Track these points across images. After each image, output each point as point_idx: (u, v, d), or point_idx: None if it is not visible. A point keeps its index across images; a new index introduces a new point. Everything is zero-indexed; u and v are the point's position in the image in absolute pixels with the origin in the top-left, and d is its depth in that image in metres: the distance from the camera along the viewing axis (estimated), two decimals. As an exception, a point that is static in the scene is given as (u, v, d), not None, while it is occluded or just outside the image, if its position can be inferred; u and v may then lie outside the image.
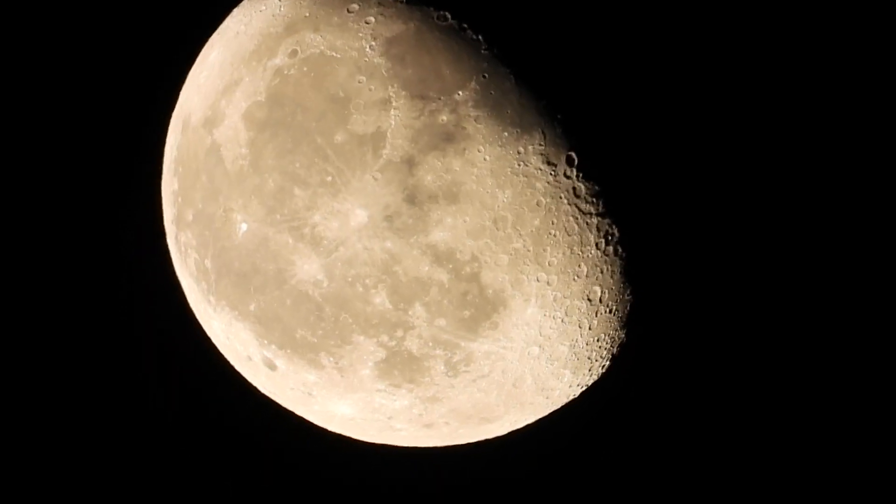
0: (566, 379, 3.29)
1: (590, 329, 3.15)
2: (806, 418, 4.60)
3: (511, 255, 2.88)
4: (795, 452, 4.59)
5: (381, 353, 3.01)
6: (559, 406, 3.52)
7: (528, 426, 3.61)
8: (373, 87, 2.84)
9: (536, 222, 2.89)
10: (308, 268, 2.92)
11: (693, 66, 3.15)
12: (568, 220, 2.93)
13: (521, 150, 2.85)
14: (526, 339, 3.04)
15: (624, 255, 3.05)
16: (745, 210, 3.33)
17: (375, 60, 2.87)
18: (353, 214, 2.85)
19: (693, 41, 3.19)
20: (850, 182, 4.40)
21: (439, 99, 2.82)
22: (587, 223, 2.96)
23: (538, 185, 2.87)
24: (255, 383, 3.54)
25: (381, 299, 2.91)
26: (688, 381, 4.42)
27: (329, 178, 2.85)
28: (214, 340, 3.50)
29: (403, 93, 2.83)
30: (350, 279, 2.89)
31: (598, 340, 3.22)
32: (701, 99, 3.16)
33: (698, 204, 3.18)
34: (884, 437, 4.57)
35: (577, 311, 3.06)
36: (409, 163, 2.82)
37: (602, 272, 3.04)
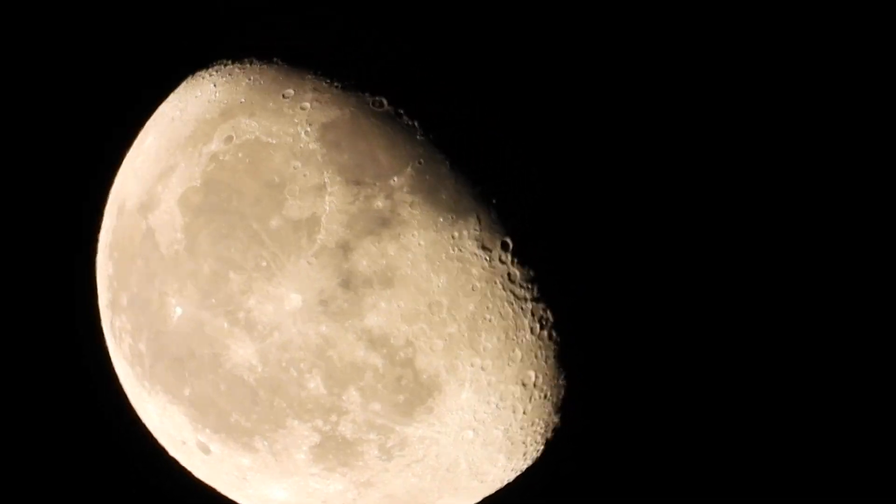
0: (500, 463, 3.48)
1: (524, 413, 3.35)
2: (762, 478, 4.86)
3: (446, 340, 3.09)
4: None
5: (316, 438, 3.19)
6: (493, 490, 3.72)
7: None
8: (308, 173, 3.05)
9: (471, 307, 3.10)
10: (243, 352, 3.12)
11: (633, 157, 3.44)
12: (503, 305, 3.14)
13: (456, 234, 3.07)
14: (460, 423, 3.24)
15: (558, 339, 3.28)
16: (685, 296, 3.58)
17: (311, 146, 3.09)
18: (287, 299, 3.04)
19: (630, 133, 3.47)
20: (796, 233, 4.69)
21: (375, 184, 3.04)
22: (522, 308, 3.17)
23: (473, 270, 3.09)
24: (189, 467, 3.69)
25: (315, 384, 3.10)
26: (623, 466, 4.66)
27: (264, 263, 3.04)
28: (148, 424, 3.66)
29: (339, 178, 3.04)
30: (284, 364, 3.08)
31: (532, 425, 3.42)
32: (644, 189, 3.44)
33: (636, 292, 3.44)
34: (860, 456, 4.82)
35: (511, 395, 3.27)
36: (344, 248, 3.02)
37: (536, 357, 3.26)
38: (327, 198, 3.06)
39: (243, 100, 3.27)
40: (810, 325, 4.75)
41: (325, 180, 3.07)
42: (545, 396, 3.39)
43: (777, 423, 4.84)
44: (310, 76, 3.24)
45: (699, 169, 3.74)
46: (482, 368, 3.19)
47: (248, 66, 3.38)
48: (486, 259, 3.12)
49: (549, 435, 3.56)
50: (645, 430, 4.60)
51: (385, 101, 3.16)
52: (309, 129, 3.14)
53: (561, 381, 3.40)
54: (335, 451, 3.25)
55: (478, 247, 3.11)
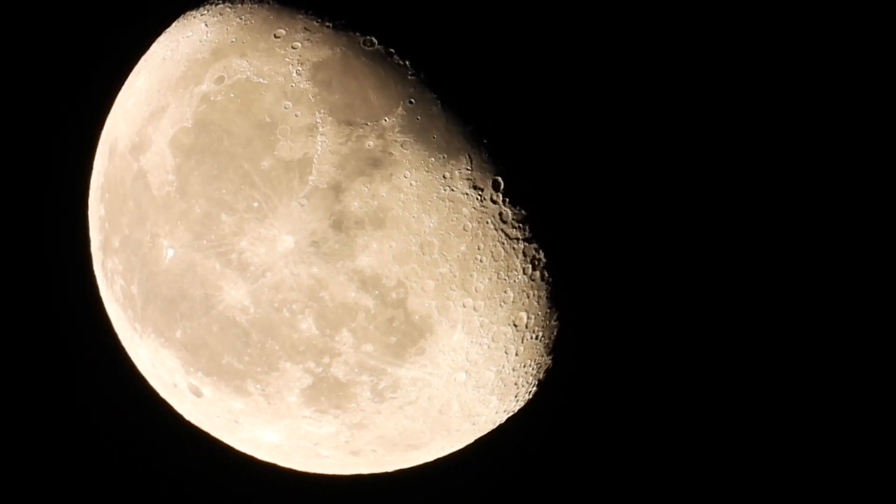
0: (493, 405, 3.58)
1: (516, 355, 3.45)
2: (746, 437, 5.01)
3: (437, 280, 3.18)
4: (734, 472, 4.98)
5: (308, 380, 3.29)
6: (486, 432, 3.81)
7: (455, 453, 3.90)
8: (299, 113, 3.13)
9: (463, 248, 3.19)
10: (235, 293, 3.20)
11: (622, 93, 3.51)
12: (494, 246, 3.23)
13: (448, 175, 3.15)
14: (452, 365, 3.33)
15: (550, 280, 3.37)
16: (675, 235, 3.67)
17: (302, 86, 3.16)
18: (279, 240, 3.13)
19: (619, 70, 3.54)
20: (801, 192, 4.85)
21: (366, 124, 3.12)
22: (514, 248, 3.26)
23: (465, 210, 3.17)
24: (181, 411, 3.80)
25: (307, 325, 3.19)
26: (616, 409, 4.79)
27: (256, 204, 3.12)
28: (140, 367, 3.76)
29: (330, 118, 3.12)
30: (277, 305, 3.17)
31: (524, 366, 3.52)
32: (633, 125, 3.52)
33: (626, 229, 3.52)
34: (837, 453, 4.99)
35: (503, 336, 3.36)
36: (336, 189, 3.10)
37: (528, 297, 3.35)
38: (319, 138, 3.14)
39: (234, 39, 3.35)
40: (802, 299, 4.92)
41: (317, 120, 3.15)
42: (537, 337, 3.48)
43: (764, 372, 4.99)
44: (301, 16, 3.32)
45: (693, 110, 3.81)
46: (474, 309, 3.27)
47: (239, 5, 3.47)
48: (477, 199, 3.20)
49: (541, 376, 3.66)
50: (638, 373, 4.73)
51: (376, 41, 3.24)
52: (300, 68, 3.22)
53: (553, 322, 3.49)
54: (327, 392, 3.34)
55: (469, 186, 3.19)
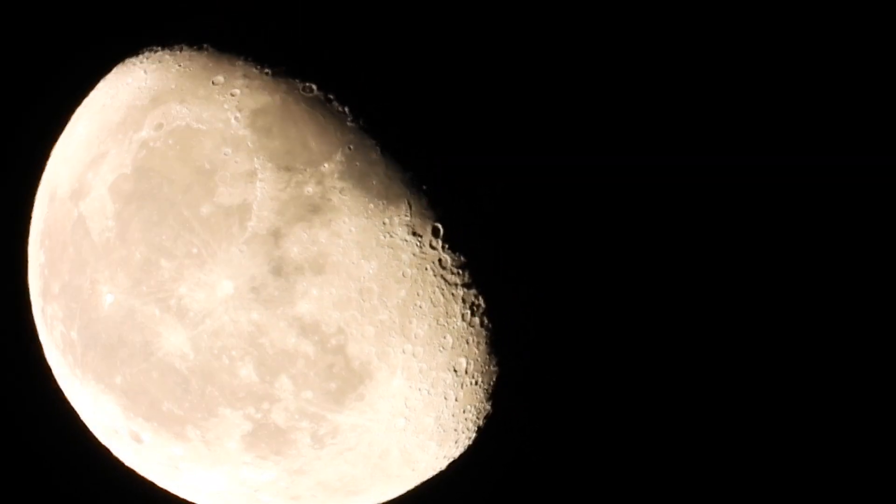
0: (432, 451, 3.65)
1: (455, 401, 3.51)
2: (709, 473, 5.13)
3: (377, 326, 3.23)
4: None
5: (248, 426, 3.34)
6: (426, 478, 3.88)
7: (395, 499, 3.96)
8: (238, 160, 3.19)
9: (402, 293, 3.25)
10: (175, 340, 3.26)
11: (556, 134, 3.61)
12: (434, 292, 3.30)
13: (387, 221, 3.22)
14: (392, 411, 3.39)
15: (490, 326, 3.44)
16: (618, 278, 3.75)
17: (241, 132, 3.23)
18: (219, 286, 3.19)
19: (557, 109, 3.65)
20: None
21: (305, 170, 3.18)
22: (453, 294, 3.33)
23: (404, 256, 3.24)
24: (121, 457, 3.83)
25: (247, 371, 3.24)
26: (557, 454, 4.88)
27: (195, 250, 3.18)
28: (81, 414, 3.80)
29: (269, 164, 3.19)
30: (216, 351, 3.23)
31: (463, 412, 3.59)
32: (566, 166, 3.60)
33: (565, 274, 3.61)
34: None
35: (442, 382, 3.43)
36: (276, 234, 3.16)
37: (468, 343, 3.42)
38: (258, 184, 3.20)
39: (174, 86, 3.43)
40: (763, 309, 5.02)
41: (256, 166, 3.21)
42: (476, 383, 3.55)
43: (720, 408, 5.09)
44: (240, 62, 3.39)
45: (629, 145, 3.95)
46: (413, 355, 3.34)
47: (178, 52, 3.54)
48: (416, 245, 3.27)
49: (480, 422, 3.73)
50: (579, 418, 4.79)
51: (315, 87, 3.31)
52: (239, 115, 3.29)
53: (492, 368, 3.56)
54: (267, 439, 3.40)
55: (408, 233, 3.26)
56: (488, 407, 3.70)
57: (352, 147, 3.25)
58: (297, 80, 3.33)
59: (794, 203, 5.04)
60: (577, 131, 3.73)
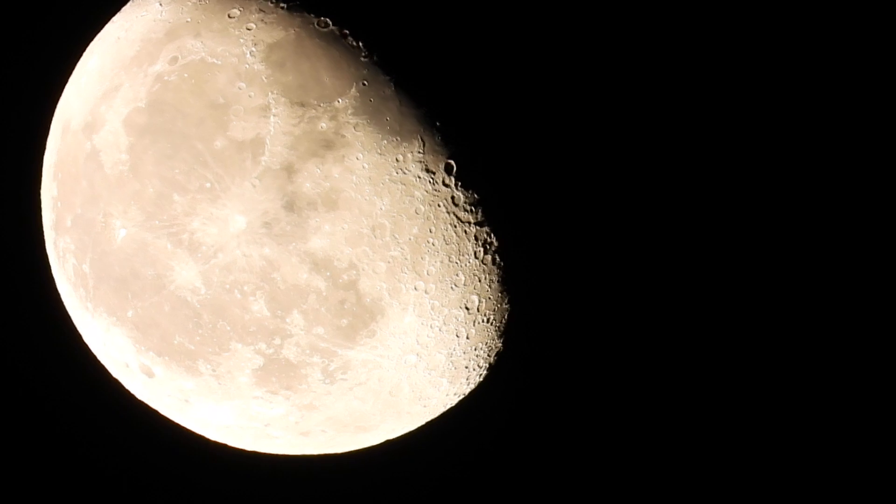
0: (443, 388, 3.70)
1: (467, 338, 3.57)
2: (697, 425, 5.22)
3: (389, 262, 3.28)
4: (687, 462, 5.19)
5: (259, 361, 3.39)
6: (436, 415, 3.94)
7: (405, 435, 4.03)
8: (252, 94, 3.21)
9: (415, 230, 3.29)
10: (186, 274, 3.30)
11: (570, 73, 3.60)
12: (446, 229, 3.33)
13: (400, 157, 3.24)
14: (403, 347, 3.44)
15: (502, 264, 3.48)
16: (630, 216, 3.78)
17: (255, 67, 3.24)
18: (231, 220, 3.23)
19: (574, 54, 3.64)
20: (760, 180, 5.05)
21: (319, 106, 3.20)
22: (465, 232, 3.37)
23: (417, 193, 3.27)
24: (132, 390, 3.90)
25: (259, 306, 3.29)
26: (566, 392, 4.95)
27: (208, 185, 3.21)
28: (92, 347, 3.87)
29: (283, 99, 3.20)
30: (228, 286, 3.27)
31: (475, 349, 3.64)
32: (580, 105, 3.61)
33: (576, 213, 3.63)
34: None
35: (454, 319, 3.47)
36: (289, 170, 3.19)
37: (480, 281, 3.46)
38: (272, 119, 3.22)
39: (189, 19, 3.44)
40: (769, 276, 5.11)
41: (270, 101, 3.23)
42: (488, 321, 3.59)
43: (715, 359, 5.18)
44: None
45: (650, 88, 3.96)
46: (425, 292, 3.38)
47: None
48: (429, 182, 3.29)
49: (492, 360, 3.78)
50: (589, 357, 4.87)
51: (330, 22, 3.32)
52: (254, 49, 3.30)
53: (504, 306, 3.60)
54: (278, 373, 3.45)
55: (421, 169, 3.29)
56: (500, 344, 3.74)
57: (366, 82, 3.26)
58: (312, 15, 3.35)
59: (794, 203, 5.13)
60: (599, 74, 3.74)
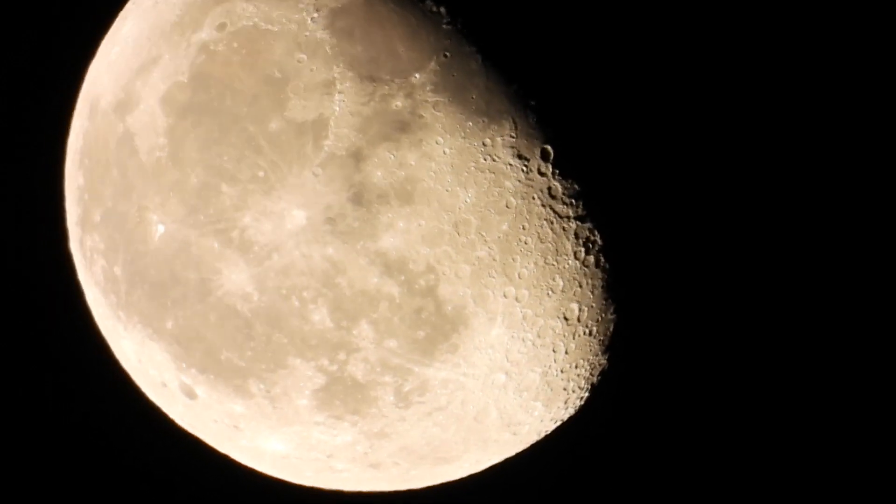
0: (537, 412, 3.57)
1: (566, 353, 3.42)
2: (800, 455, 5.16)
3: (474, 265, 3.13)
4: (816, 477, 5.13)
5: (321, 380, 3.26)
6: (529, 444, 3.82)
7: (492, 468, 3.91)
8: (315, 67, 3.09)
9: (504, 227, 3.13)
10: (236, 278, 3.16)
11: (688, 51, 3.44)
12: (542, 225, 3.18)
13: (488, 141, 3.10)
14: (490, 364, 3.29)
15: (607, 266, 3.32)
16: (743, 216, 3.64)
17: (318, 35, 3.12)
18: (289, 216, 3.09)
19: (685, 24, 3.48)
20: (846, 181, 5.01)
21: (393, 81, 3.07)
22: (564, 229, 3.22)
23: (507, 183, 3.12)
24: (171, 414, 3.81)
25: (320, 316, 3.15)
26: (678, 415, 4.81)
27: (262, 174, 3.08)
28: (124, 363, 3.77)
29: (350, 74, 3.07)
30: (285, 292, 3.14)
31: (575, 367, 3.50)
32: (697, 86, 3.44)
33: (693, 208, 3.45)
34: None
35: (550, 332, 3.32)
36: (356, 156, 3.06)
37: (581, 286, 3.31)
38: (337, 97, 3.08)
39: None
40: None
41: (335, 76, 3.09)
42: (590, 333, 3.44)
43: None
44: None
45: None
46: (517, 299, 3.22)
47: None
48: (522, 170, 3.15)
49: (594, 379, 3.64)
50: (707, 376, 4.71)
51: None
52: (316, 15, 3.16)
53: (609, 316, 3.45)
54: (343, 395, 3.31)
55: (513, 156, 3.13)
56: (604, 361, 3.61)
57: (448, 54, 3.13)
58: (385, -25, 3.18)
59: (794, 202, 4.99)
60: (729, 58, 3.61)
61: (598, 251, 3.31)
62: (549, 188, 3.19)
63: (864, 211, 5.08)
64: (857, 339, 5.25)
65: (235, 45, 3.20)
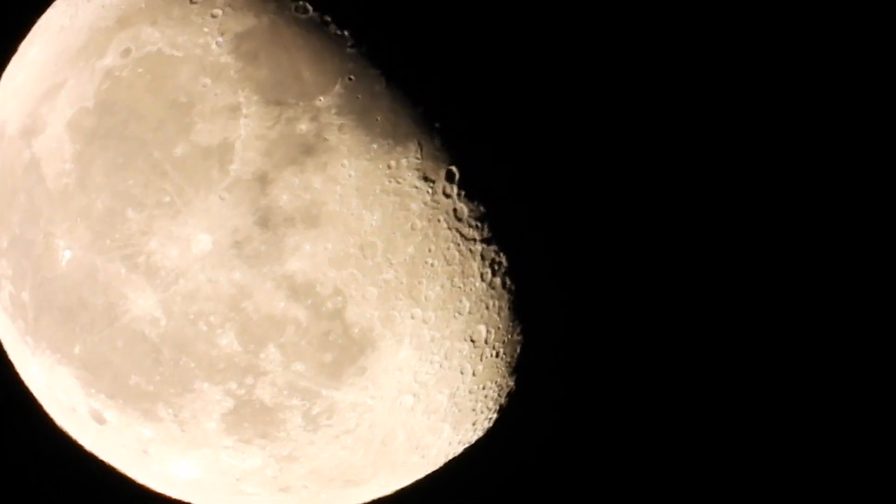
0: (445, 434, 3.59)
1: (473, 375, 3.45)
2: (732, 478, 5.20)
3: (381, 287, 3.16)
4: None
5: (229, 403, 3.28)
6: (437, 467, 3.83)
7: (400, 491, 3.92)
8: (219, 91, 3.11)
9: (411, 249, 3.17)
10: (143, 303, 3.19)
11: (591, 68, 3.50)
12: (448, 247, 3.22)
13: (393, 164, 3.14)
14: (398, 387, 3.32)
15: (513, 288, 3.36)
16: (650, 233, 3.66)
17: (223, 59, 3.15)
18: (195, 240, 3.12)
19: (589, 40, 3.55)
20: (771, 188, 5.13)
21: (298, 105, 3.10)
22: (470, 251, 3.26)
23: (413, 205, 3.16)
24: (81, 440, 3.80)
25: (228, 340, 3.18)
26: (592, 442, 4.85)
27: (167, 199, 3.12)
28: (33, 388, 3.75)
29: (255, 98, 3.10)
30: (192, 316, 3.16)
31: (482, 388, 3.52)
32: (601, 104, 3.49)
33: (601, 228, 3.50)
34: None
35: (458, 353, 3.36)
36: (262, 180, 3.08)
37: (488, 308, 3.34)
38: (242, 121, 3.12)
39: (143, 5, 3.34)
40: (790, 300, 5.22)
41: (240, 100, 3.13)
42: (498, 355, 3.48)
43: (745, 402, 5.27)
44: None
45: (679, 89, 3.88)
46: (424, 321, 3.26)
47: None
48: (428, 192, 3.19)
49: (502, 401, 3.67)
50: (619, 398, 4.77)
51: (310, 7, 3.23)
52: (221, 39, 3.21)
53: (516, 337, 3.49)
54: (252, 419, 3.33)
55: (419, 178, 3.18)
56: (511, 383, 3.64)
57: (352, 77, 3.17)
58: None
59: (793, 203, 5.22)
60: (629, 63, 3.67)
61: (504, 273, 3.34)
62: (455, 210, 3.23)
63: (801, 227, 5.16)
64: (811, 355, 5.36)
65: (140, 70, 3.22)
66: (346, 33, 3.21)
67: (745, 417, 5.32)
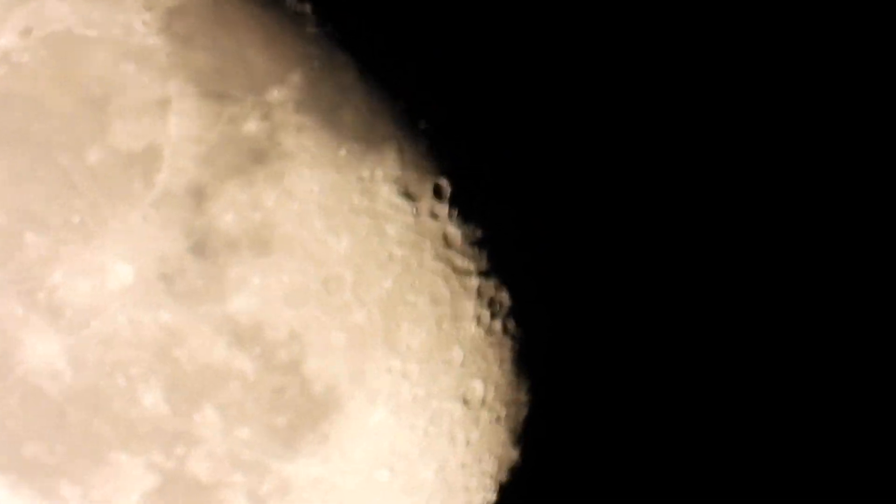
0: None
1: (467, 445, 3.20)
2: None
3: (350, 332, 2.90)
4: None
5: (153, 480, 2.96)
6: None
7: None
8: (145, 82, 2.83)
9: (388, 284, 2.92)
10: (43, 351, 2.87)
11: (613, 66, 3.32)
12: (435, 282, 2.98)
13: (366, 175, 2.89)
14: (371, 459, 3.05)
15: (517, 334, 3.14)
16: (684, 272, 3.53)
17: (150, 41, 2.87)
18: (112, 272, 2.81)
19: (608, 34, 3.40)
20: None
21: (245, 99, 2.84)
22: (464, 287, 3.02)
23: (390, 229, 2.92)
24: None
25: (153, 398, 2.86)
26: None
27: (77, 219, 2.81)
28: None
29: (191, 89, 2.84)
30: (108, 368, 2.84)
31: (479, 462, 3.28)
32: (628, 111, 3.30)
33: (625, 260, 3.24)
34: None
35: (447, 417, 3.11)
36: (198, 195, 2.81)
37: (485, 359, 3.11)
38: (173, 119, 2.84)
39: None
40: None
41: (171, 93, 2.84)
42: (498, 419, 3.27)
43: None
44: None
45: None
46: (404, 376, 3.02)
47: None
48: (410, 212, 2.96)
49: (503, 476, 3.44)
50: (636, 468, 4.67)
51: None
52: (147, 16, 2.92)
53: (522, 397, 3.29)
54: (183, 500, 3.03)
55: (398, 193, 2.95)
56: (515, 455, 3.39)
57: (316, 65, 2.94)
58: (236, -33, 3.08)
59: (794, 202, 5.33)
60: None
61: (507, 315, 3.13)
62: (445, 235, 3.00)
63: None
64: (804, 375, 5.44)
65: (44, 54, 2.93)
66: (307, 9, 2.99)
67: (766, 448, 5.44)
